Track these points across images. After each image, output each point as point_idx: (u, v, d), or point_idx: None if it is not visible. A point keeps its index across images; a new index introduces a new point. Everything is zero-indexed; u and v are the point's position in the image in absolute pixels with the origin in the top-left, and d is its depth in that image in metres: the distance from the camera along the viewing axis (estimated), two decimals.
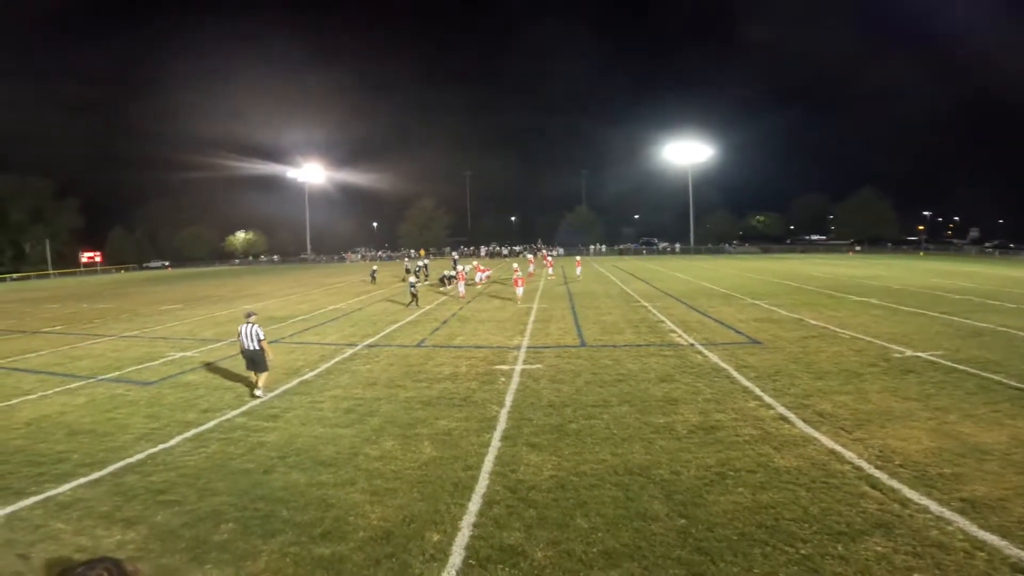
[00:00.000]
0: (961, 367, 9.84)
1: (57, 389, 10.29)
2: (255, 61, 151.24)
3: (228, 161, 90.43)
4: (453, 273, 29.22)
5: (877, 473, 5.72)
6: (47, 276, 66.91)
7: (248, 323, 9.45)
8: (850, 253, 66.82)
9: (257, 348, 9.27)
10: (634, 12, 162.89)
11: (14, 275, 65.51)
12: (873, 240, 76.50)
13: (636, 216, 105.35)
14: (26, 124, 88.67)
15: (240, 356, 9.73)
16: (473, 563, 4.36)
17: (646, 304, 19.96)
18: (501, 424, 7.60)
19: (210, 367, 11.66)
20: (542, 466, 6.17)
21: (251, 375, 9.65)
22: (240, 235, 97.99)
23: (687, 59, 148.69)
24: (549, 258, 46.92)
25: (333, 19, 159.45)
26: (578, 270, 33.66)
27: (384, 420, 7.95)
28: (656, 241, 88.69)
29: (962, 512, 4.88)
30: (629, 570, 4.20)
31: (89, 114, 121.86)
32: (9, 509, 5.50)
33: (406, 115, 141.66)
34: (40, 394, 9.97)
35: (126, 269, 78.15)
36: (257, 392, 9.29)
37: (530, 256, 44.79)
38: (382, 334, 15.16)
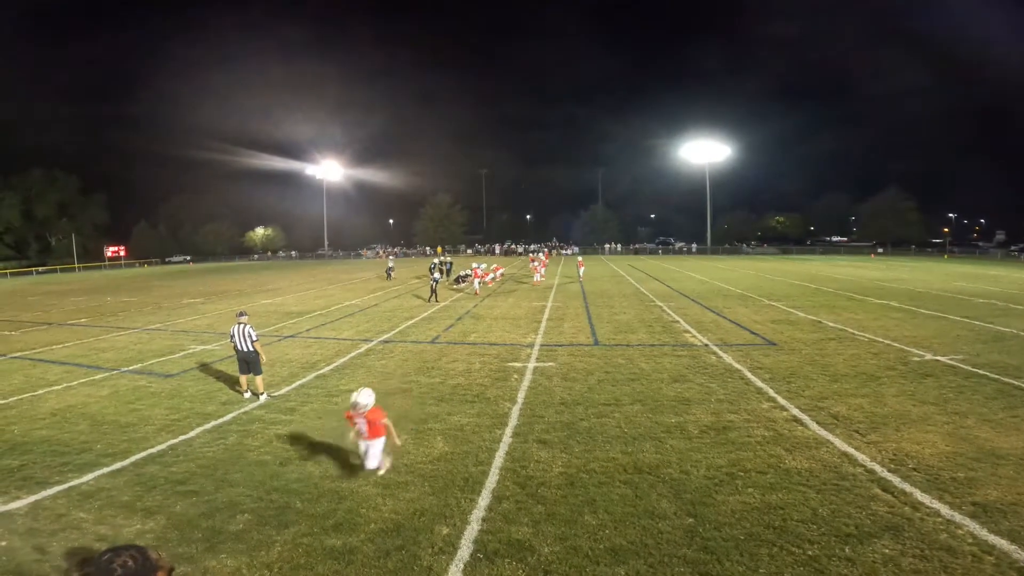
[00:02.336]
0: (981, 371, 9.68)
1: (82, 380, 10.57)
2: (275, 59, 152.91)
3: (248, 158, 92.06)
4: (467, 272, 29.41)
5: (889, 476, 5.68)
6: (73, 270, 68.38)
7: (240, 323, 9.05)
8: (872, 255, 65.69)
9: (251, 349, 8.89)
10: (653, 8, 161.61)
11: (40, 268, 67.12)
12: (896, 242, 75.10)
13: (652, 215, 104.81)
14: (53, 121, 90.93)
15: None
16: (481, 556, 4.43)
17: (661, 304, 19.89)
18: (513, 421, 7.67)
19: (229, 360, 11.87)
20: (552, 463, 6.23)
21: (241, 379, 9.19)
22: (259, 231, 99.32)
23: (706, 57, 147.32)
24: (542, 258, 37.60)
25: (352, 16, 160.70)
26: (580, 270, 31.99)
27: (398, 415, 8.00)
28: (672, 241, 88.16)
29: (973, 516, 4.84)
30: (635, 567, 4.24)
31: (114, 112, 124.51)
32: (33, 498, 5.68)
33: (423, 113, 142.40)
34: (65, 385, 10.26)
35: (149, 263, 79.52)
36: (261, 397, 8.96)
37: (542, 255, 44.63)
38: (397, 330, 15.31)
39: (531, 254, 50.49)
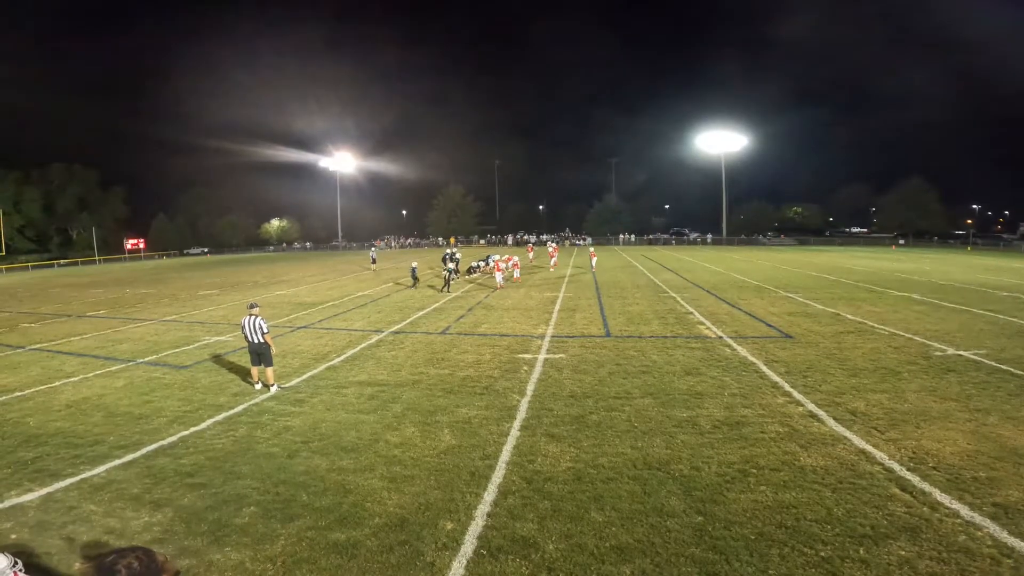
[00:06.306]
0: (1005, 367, 9.40)
1: (98, 372, 10.71)
2: (290, 54, 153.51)
3: (264, 151, 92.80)
4: (479, 263, 29.34)
5: (908, 475, 5.52)
6: (93, 262, 69.58)
7: (251, 315, 9.01)
8: (893, 247, 64.41)
9: (262, 341, 8.87)
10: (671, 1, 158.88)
11: (62, 261, 68.33)
12: (918, 233, 73.48)
13: (667, 206, 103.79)
14: (72, 115, 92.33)
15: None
16: (484, 553, 4.38)
17: (674, 295, 19.66)
18: (521, 413, 7.60)
19: (242, 351, 11.93)
20: (560, 457, 6.15)
21: (252, 370, 9.23)
22: (275, 223, 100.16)
23: (722, 48, 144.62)
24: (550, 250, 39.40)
25: (364, 10, 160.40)
26: (593, 261, 31.42)
27: (406, 407, 8.04)
28: (687, 231, 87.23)
29: (994, 517, 4.68)
30: (641, 566, 4.16)
31: (133, 106, 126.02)
32: (45, 491, 5.73)
33: (436, 105, 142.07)
34: (82, 376, 10.39)
35: (168, 255, 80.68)
36: (272, 388, 8.97)
37: (553, 245, 44.24)
38: (408, 321, 15.32)
39: (529, 244, 50.01)
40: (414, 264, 25.67)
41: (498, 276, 23.43)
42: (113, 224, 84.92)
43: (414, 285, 24.03)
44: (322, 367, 10.46)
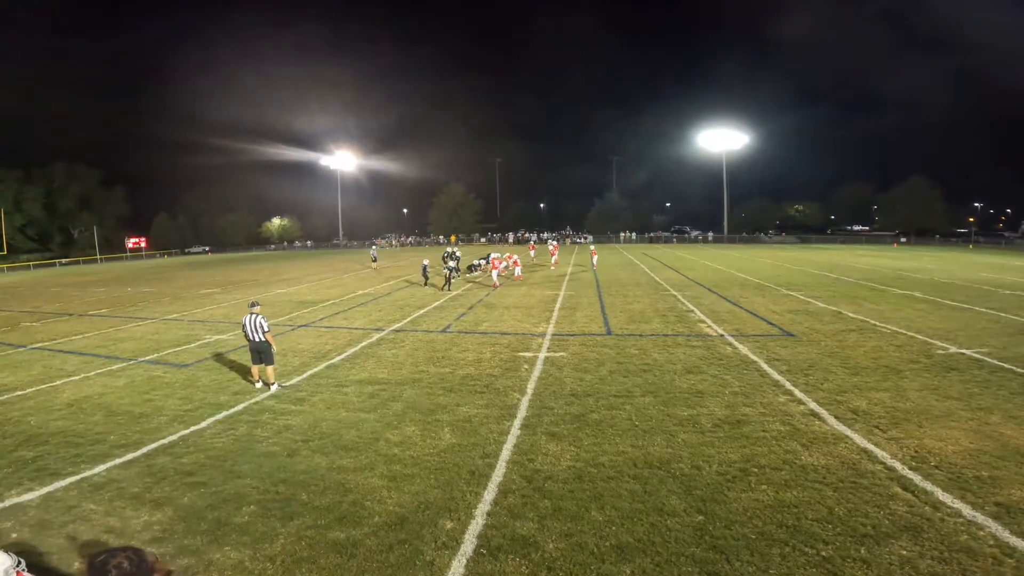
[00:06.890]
0: (1007, 366, 9.36)
1: (99, 371, 10.71)
2: (292, 54, 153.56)
3: (265, 149, 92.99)
4: (480, 262, 29.32)
5: (910, 474, 5.50)
6: (95, 261, 69.64)
7: (252, 313, 9.01)
8: (895, 245, 64.29)
9: (263, 340, 8.88)
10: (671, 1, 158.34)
11: (63, 260, 68.39)
12: (920, 232, 73.32)
13: (668, 204, 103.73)
14: (73, 115, 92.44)
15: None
16: (484, 552, 4.37)
17: (675, 293, 19.63)
18: (522, 412, 7.59)
19: (243, 349, 11.93)
20: (560, 456, 6.14)
21: (252, 369, 9.22)
22: (276, 221, 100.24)
23: (723, 47, 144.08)
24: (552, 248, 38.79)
25: (364, 10, 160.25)
26: (594, 259, 31.43)
27: (406, 405, 8.03)
28: (688, 229, 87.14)
29: (996, 517, 4.66)
30: (641, 566, 4.14)
31: (134, 105, 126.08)
32: (45, 490, 5.73)
33: (436, 104, 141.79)
34: (83, 375, 10.40)
35: (169, 254, 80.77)
36: (272, 387, 8.94)
37: (554, 243, 44.15)
38: (408, 319, 15.31)
39: (532, 242, 50.15)
40: (425, 262, 25.33)
41: (494, 275, 23.48)
42: (114, 223, 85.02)
43: (426, 283, 24.01)
44: (322, 365, 10.46)
